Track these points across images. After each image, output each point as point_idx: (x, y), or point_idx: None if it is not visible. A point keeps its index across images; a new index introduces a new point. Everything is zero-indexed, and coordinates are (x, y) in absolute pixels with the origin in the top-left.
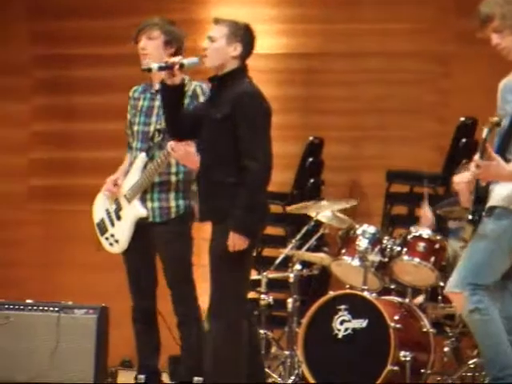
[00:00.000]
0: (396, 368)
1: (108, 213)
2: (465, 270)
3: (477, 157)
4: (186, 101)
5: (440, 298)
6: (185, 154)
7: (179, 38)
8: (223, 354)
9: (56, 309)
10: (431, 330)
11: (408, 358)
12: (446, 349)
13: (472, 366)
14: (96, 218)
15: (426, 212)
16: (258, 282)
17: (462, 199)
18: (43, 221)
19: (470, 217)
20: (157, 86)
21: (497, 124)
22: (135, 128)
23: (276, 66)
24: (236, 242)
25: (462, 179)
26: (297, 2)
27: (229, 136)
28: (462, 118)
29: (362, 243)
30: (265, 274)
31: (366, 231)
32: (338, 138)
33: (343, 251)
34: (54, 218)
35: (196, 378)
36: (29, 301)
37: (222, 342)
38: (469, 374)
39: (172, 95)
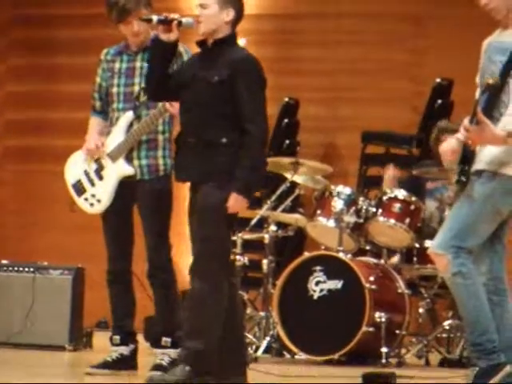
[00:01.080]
0: (371, 329)
1: (87, 173)
2: (449, 232)
3: (466, 120)
4: None
5: (415, 259)
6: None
7: None
8: (203, 314)
9: (31, 269)
10: (406, 291)
11: (383, 319)
12: (420, 310)
13: (447, 327)
14: (71, 179)
15: (389, 171)
16: (233, 243)
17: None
18: (18, 181)
19: (457, 177)
20: (134, 48)
21: (493, 85)
22: (114, 90)
23: (248, 27)
24: (238, 203)
25: (451, 142)
26: None
27: (224, 99)
28: (438, 79)
29: (338, 204)
30: (240, 234)
31: (341, 192)
32: (312, 99)
33: (318, 212)
34: (28, 178)
35: (164, 339)
36: (4, 261)
37: (205, 302)
38: (444, 336)
39: (164, 51)
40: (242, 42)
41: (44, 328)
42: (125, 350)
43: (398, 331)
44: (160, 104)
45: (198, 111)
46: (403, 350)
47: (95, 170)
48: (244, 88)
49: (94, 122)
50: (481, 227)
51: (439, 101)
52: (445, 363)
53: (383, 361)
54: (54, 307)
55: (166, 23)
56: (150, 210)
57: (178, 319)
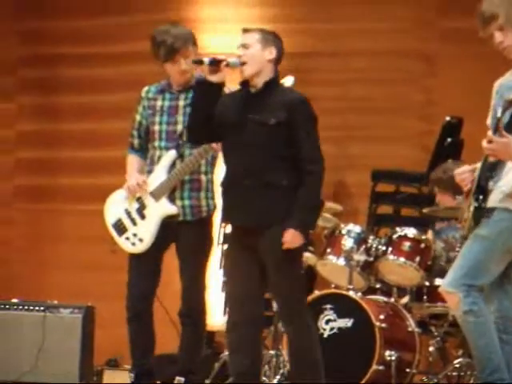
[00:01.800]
0: (381, 367)
1: (128, 212)
2: (460, 270)
3: (490, 132)
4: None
5: (425, 297)
6: None
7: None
8: (310, 354)
9: (42, 308)
10: (416, 330)
11: (393, 358)
12: (431, 348)
13: (457, 365)
14: (111, 219)
15: None
16: None
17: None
18: (27, 220)
19: (472, 210)
20: (176, 87)
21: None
22: (156, 127)
23: None
24: (296, 239)
25: (464, 169)
26: (280, 3)
27: (281, 140)
28: (448, 117)
29: (348, 243)
30: None
31: (351, 230)
32: (322, 137)
33: (328, 251)
34: (40, 217)
35: (177, 378)
36: (15, 300)
37: (307, 343)
38: (454, 374)
39: (211, 92)
40: (289, 80)
41: (54, 367)
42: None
43: (408, 370)
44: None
45: (255, 153)
46: None
47: (137, 209)
48: (302, 129)
49: (134, 160)
50: (492, 265)
51: (449, 139)
52: None
53: None
54: (65, 346)
55: (216, 64)
56: (190, 252)
57: (199, 361)
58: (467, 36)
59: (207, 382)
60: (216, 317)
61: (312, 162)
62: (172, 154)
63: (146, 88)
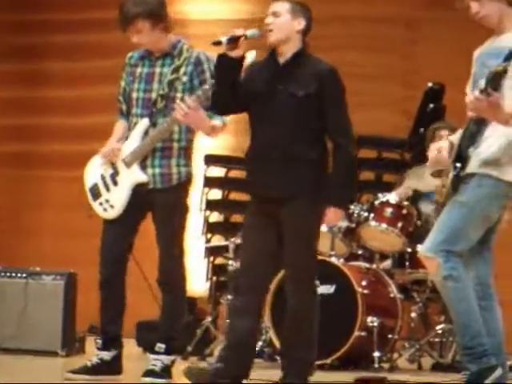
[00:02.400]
0: (363, 333)
1: (103, 178)
2: (439, 235)
3: (477, 92)
4: (190, 68)
5: (407, 263)
6: (198, 119)
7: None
8: (309, 329)
9: (24, 275)
10: (398, 296)
11: (375, 324)
12: (413, 314)
13: (439, 331)
14: (88, 183)
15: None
16: (225, 248)
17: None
18: (9, 187)
19: (452, 177)
20: (156, 54)
21: (501, 72)
22: (134, 95)
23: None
24: (337, 216)
25: (442, 143)
26: None
27: (311, 113)
28: (430, 84)
29: None
30: (232, 240)
31: None
32: None
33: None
34: (23, 183)
35: (158, 345)
36: None
37: (309, 317)
38: (436, 340)
39: (233, 67)
40: (252, 54)
41: (37, 334)
42: (106, 354)
43: (390, 336)
44: (175, 112)
45: (283, 125)
46: (395, 355)
47: (111, 175)
48: (332, 102)
49: (120, 126)
50: (470, 232)
51: (431, 105)
52: (437, 367)
53: (375, 365)
54: (47, 312)
55: (234, 42)
56: (162, 220)
57: (179, 327)
58: (449, 3)
59: (189, 348)
60: (198, 284)
61: (342, 135)
62: (145, 121)
63: (129, 54)
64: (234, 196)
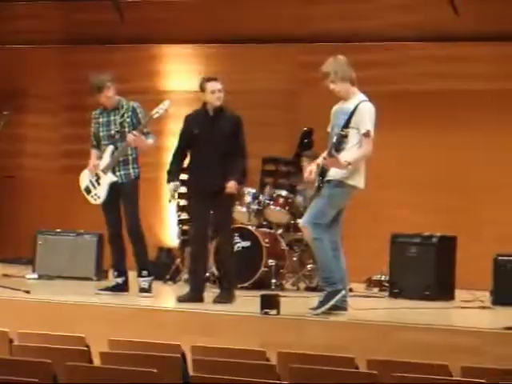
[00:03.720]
0: (266, 269)
1: (91, 182)
2: (310, 215)
3: (325, 153)
4: (130, 114)
5: (291, 229)
6: (140, 142)
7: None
8: (231, 256)
9: (73, 234)
10: (286, 248)
11: (273, 264)
12: (294, 258)
13: (309, 268)
14: (83, 186)
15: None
16: (188, 220)
17: (306, 176)
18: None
19: (317, 184)
20: (109, 108)
21: (343, 134)
22: (101, 134)
23: None
24: (235, 187)
25: (312, 167)
26: None
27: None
28: (305, 128)
29: (248, 198)
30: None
31: (250, 191)
32: None
33: (237, 203)
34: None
35: (143, 272)
36: (57, 230)
37: (230, 249)
38: (307, 273)
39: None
40: (166, 103)
41: (80, 268)
42: (119, 280)
43: (281, 270)
44: (127, 139)
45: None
46: (284, 281)
47: (96, 180)
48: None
49: (94, 153)
50: (328, 213)
51: (305, 140)
52: (308, 289)
53: (273, 287)
54: (86, 256)
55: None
56: (126, 199)
57: (147, 263)
58: (318, 82)
59: (167, 276)
60: (173, 239)
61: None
62: (111, 147)
63: (94, 111)
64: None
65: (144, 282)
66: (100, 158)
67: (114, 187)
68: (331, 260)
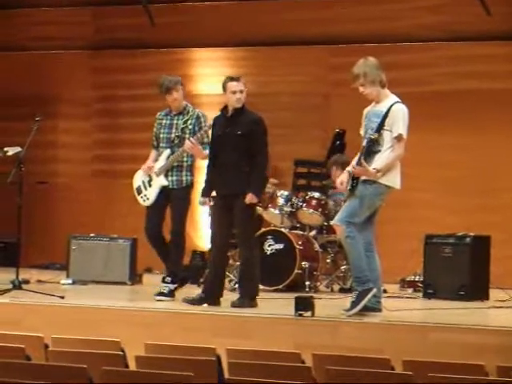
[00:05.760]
0: (300, 271)
1: (143, 182)
2: (344, 213)
3: (354, 162)
4: (193, 121)
5: (324, 231)
6: (197, 150)
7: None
8: (251, 260)
9: (107, 239)
10: (319, 250)
11: (307, 266)
12: (328, 260)
13: (343, 270)
14: (135, 185)
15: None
16: None
17: (339, 187)
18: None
19: (350, 187)
20: (174, 111)
21: (374, 139)
22: (161, 136)
23: None
24: (254, 201)
25: (342, 177)
26: None
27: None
28: (337, 129)
29: (280, 201)
30: None
31: (282, 194)
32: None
33: (270, 205)
34: (110, 186)
35: (167, 278)
36: (92, 234)
37: (251, 253)
38: (341, 275)
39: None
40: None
41: (114, 273)
42: (172, 286)
43: (315, 272)
44: (185, 145)
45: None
46: (318, 283)
47: (148, 181)
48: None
49: (153, 154)
50: (362, 212)
51: (337, 142)
52: (342, 290)
53: (306, 289)
54: (120, 261)
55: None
56: (175, 205)
57: (178, 268)
58: (348, 84)
59: (201, 280)
60: (206, 244)
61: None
62: (168, 151)
63: (159, 112)
64: None
65: (165, 287)
66: (157, 160)
67: (163, 191)
68: (363, 259)
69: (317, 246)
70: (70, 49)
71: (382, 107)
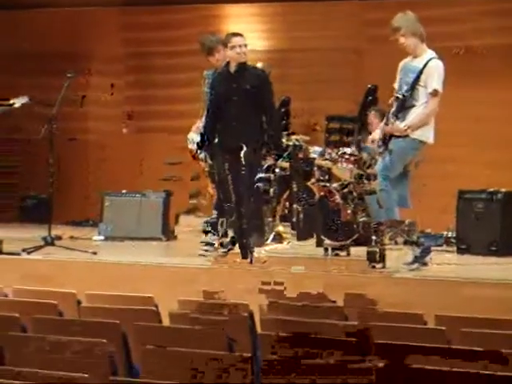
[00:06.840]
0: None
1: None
2: (379, 167)
3: (382, 124)
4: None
5: (363, 180)
6: None
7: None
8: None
9: (139, 195)
10: (341, 201)
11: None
12: (348, 211)
13: (407, 223)
14: (193, 147)
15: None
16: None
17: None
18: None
19: (382, 143)
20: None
21: (401, 99)
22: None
23: None
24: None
25: (374, 135)
26: None
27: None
28: (369, 85)
29: (313, 154)
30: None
31: (315, 150)
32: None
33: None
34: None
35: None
36: (124, 191)
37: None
38: (405, 228)
39: None
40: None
41: (147, 228)
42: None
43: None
44: None
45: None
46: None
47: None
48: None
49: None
50: (396, 166)
51: (369, 97)
52: (406, 243)
53: (373, 243)
54: (153, 215)
55: None
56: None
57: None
58: (387, 37)
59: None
60: None
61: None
62: None
63: (206, 71)
64: None
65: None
66: None
67: None
68: (395, 212)
69: (338, 198)
70: (101, 5)
71: (419, 63)
